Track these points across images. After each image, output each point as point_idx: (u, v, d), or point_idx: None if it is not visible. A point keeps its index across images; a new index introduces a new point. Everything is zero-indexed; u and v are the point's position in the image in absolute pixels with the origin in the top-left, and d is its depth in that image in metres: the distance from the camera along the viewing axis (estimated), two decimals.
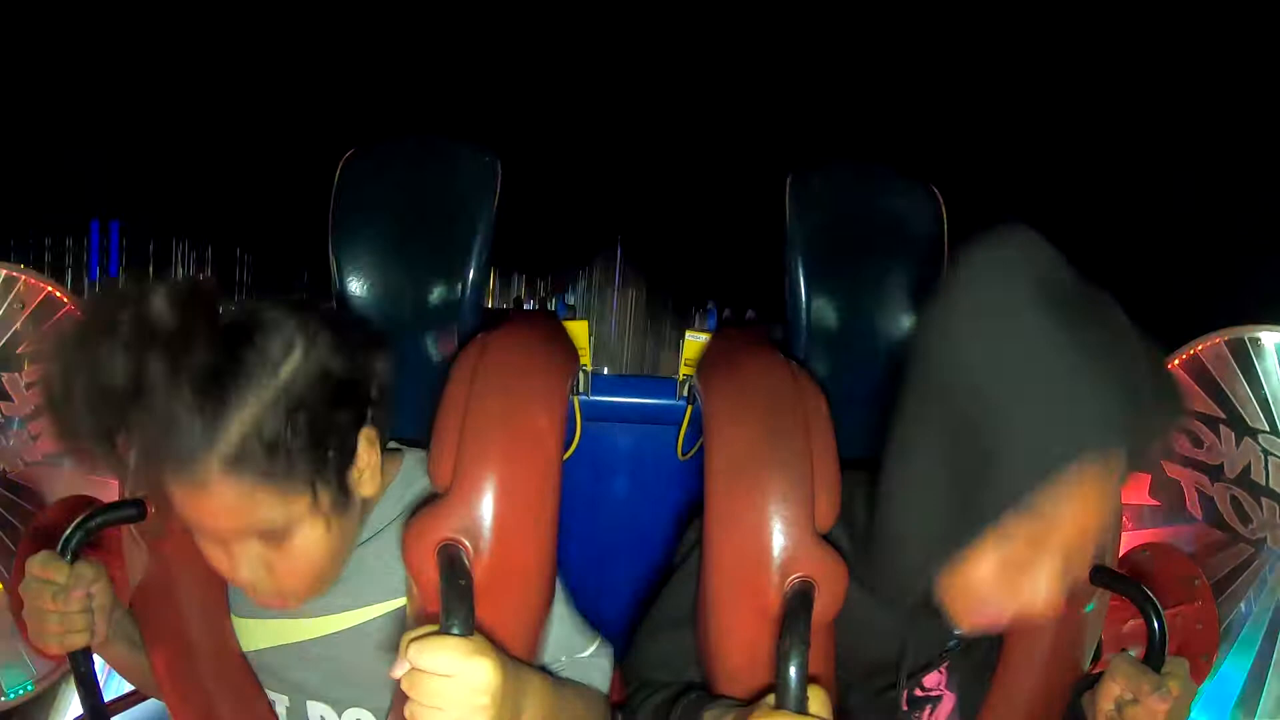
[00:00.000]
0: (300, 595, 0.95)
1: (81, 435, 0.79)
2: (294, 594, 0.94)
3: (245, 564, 0.89)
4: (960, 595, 0.86)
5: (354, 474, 0.93)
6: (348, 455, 0.91)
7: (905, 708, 1.05)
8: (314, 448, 0.85)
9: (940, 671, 1.06)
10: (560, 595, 1.04)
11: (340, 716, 1.06)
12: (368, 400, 0.93)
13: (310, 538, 0.90)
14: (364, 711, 1.05)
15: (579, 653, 1.05)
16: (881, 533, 0.87)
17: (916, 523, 0.83)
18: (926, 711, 1.06)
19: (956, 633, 1.00)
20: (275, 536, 0.87)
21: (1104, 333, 0.74)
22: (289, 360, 0.84)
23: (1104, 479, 0.75)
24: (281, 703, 1.08)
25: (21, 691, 1.81)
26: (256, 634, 1.06)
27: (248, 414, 0.81)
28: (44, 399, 0.78)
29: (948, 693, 1.06)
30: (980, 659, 1.07)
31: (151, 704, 1.32)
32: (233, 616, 1.08)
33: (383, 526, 1.02)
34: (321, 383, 0.85)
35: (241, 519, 0.85)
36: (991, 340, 0.73)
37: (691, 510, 1.07)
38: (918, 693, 1.06)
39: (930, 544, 0.82)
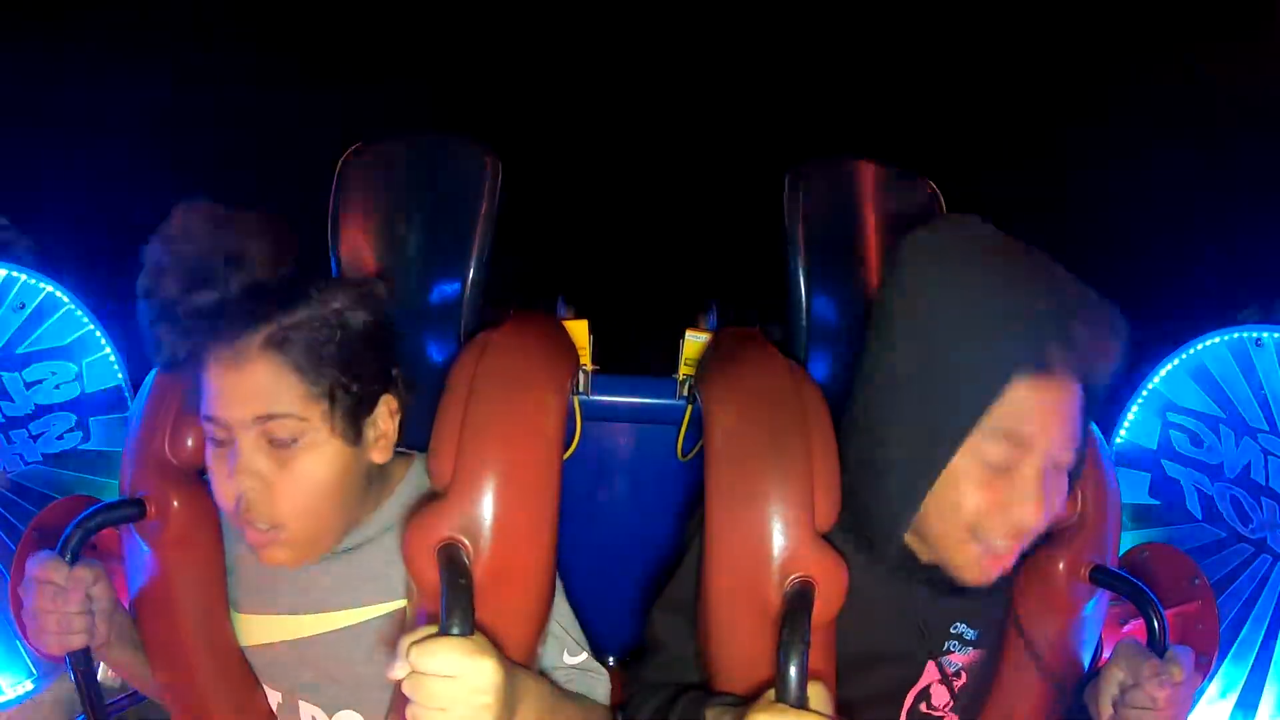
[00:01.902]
0: (289, 529, 0.93)
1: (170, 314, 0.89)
2: (284, 521, 0.93)
3: (248, 468, 0.91)
4: (953, 533, 0.91)
5: (369, 428, 0.97)
6: (369, 398, 0.96)
7: None
8: (343, 366, 0.93)
9: (952, 691, 1.03)
10: (560, 597, 1.04)
11: (331, 719, 1.06)
12: (393, 372, 1.00)
13: (315, 458, 0.93)
14: (355, 715, 1.05)
15: (575, 656, 1.05)
16: (864, 466, 0.94)
17: (895, 448, 0.90)
18: None
19: (963, 588, 0.97)
20: (284, 445, 0.91)
21: (1033, 272, 0.89)
22: (345, 300, 0.94)
23: (1054, 392, 0.87)
24: (274, 697, 1.08)
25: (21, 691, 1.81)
26: (256, 629, 1.06)
27: (303, 314, 0.91)
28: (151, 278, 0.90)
29: (950, 715, 1.05)
30: (994, 680, 1.05)
31: (151, 704, 1.32)
32: (233, 612, 1.08)
33: (388, 526, 1.03)
34: (363, 327, 0.95)
35: (264, 403, 0.90)
36: (942, 284, 0.88)
37: (691, 502, 1.07)
38: (923, 709, 1.04)
39: (910, 466, 0.89)
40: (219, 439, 0.93)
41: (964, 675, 1.04)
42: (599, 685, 1.06)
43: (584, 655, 1.06)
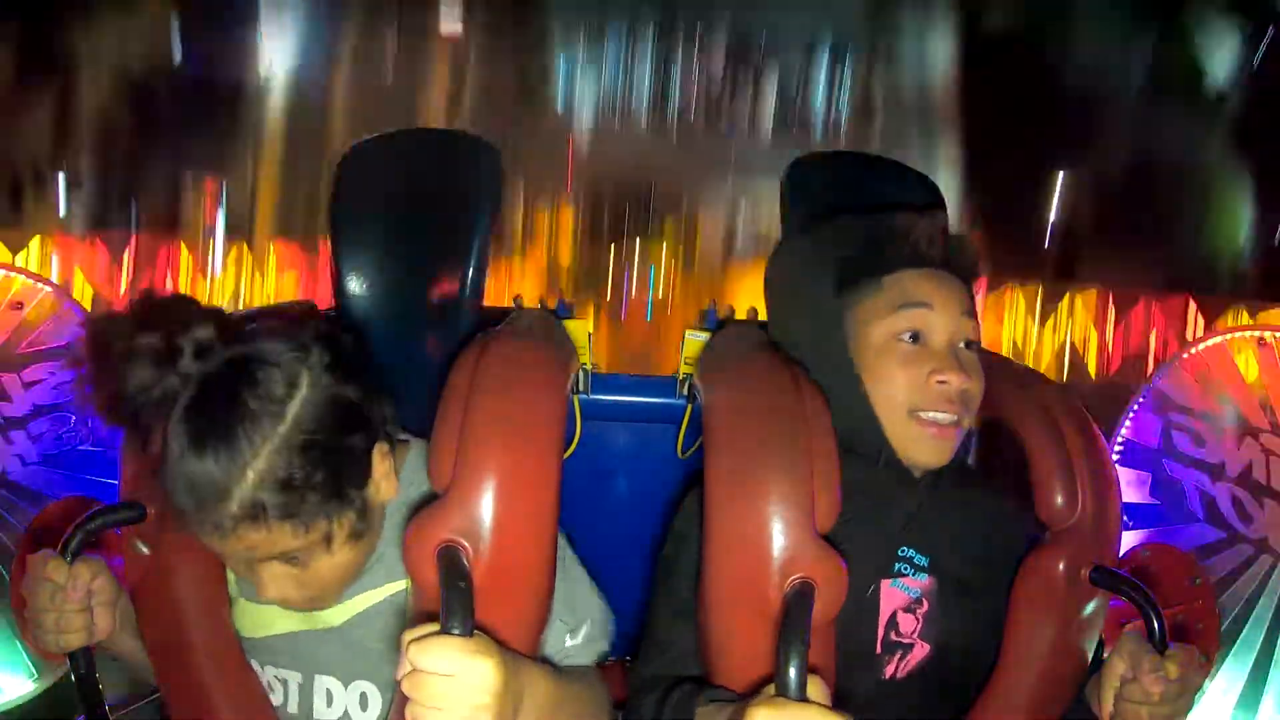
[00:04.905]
0: (329, 600, 1.00)
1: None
2: (322, 600, 1.00)
3: (273, 584, 0.94)
4: (898, 418, 1.05)
5: (370, 488, 0.96)
6: (363, 476, 0.95)
7: (879, 651, 1.05)
8: (329, 479, 0.89)
9: (916, 618, 1.06)
10: (564, 571, 1.04)
11: (346, 689, 1.07)
12: (378, 417, 0.97)
13: (328, 559, 0.94)
14: (368, 684, 1.06)
15: (575, 638, 1.06)
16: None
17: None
18: (897, 657, 1.06)
19: (922, 473, 1.08)
20: (300, 560, 0.92)
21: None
22: (293, 399, 0.88)
23: (931, 274, 1.07)
24: (294, 679, 1.08)
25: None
26: (279, 619, 1.07)
27: (261, 464, 0.85)
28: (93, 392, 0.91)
29: (920, 642, 1.07)
30: (957, 610, 1.08)
31: (151, 705, 1.32)
32: (249, 603, 1.09)
33: (394, 513, 1.04)
34: (330, 412, 0.90)
35: (264, 552, 0.90)
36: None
37: (685, 487, 1.08)
38: (893, 636, 1.06)
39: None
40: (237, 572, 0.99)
41: (925, 602, 1.07)
42: (596, 648, 1.08)
43: (584, 630, 1.07)
